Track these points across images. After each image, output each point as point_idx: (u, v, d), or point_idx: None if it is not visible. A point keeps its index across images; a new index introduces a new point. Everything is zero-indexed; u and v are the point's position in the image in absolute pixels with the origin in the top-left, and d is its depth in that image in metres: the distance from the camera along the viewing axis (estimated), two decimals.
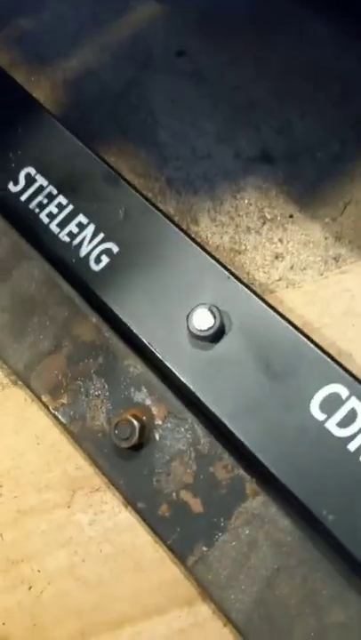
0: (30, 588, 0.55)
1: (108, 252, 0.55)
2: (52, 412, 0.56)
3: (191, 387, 0.49)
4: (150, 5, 0.75)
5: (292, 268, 0.59)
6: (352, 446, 0.45)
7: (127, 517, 0.54)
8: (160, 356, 0.51)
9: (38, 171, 0.59)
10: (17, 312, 0.59)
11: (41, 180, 0.59)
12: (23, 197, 0.59)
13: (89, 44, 0.75)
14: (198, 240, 0.57)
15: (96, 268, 0.55)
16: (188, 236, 0.54)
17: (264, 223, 0.62)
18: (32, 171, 0.59)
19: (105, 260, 0.55)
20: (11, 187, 0.59)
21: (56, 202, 0.57)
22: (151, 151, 0.68)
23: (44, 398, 0.57)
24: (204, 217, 0.64)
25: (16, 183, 0.59)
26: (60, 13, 0.76)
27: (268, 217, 0.62)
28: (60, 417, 0.56)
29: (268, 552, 0.46)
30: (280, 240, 0.60)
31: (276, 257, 0.60)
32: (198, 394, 0.49)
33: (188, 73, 0.70)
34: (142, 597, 0.52)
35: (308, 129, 0.65)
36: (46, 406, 0.57)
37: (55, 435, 0.58)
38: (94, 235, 0.55)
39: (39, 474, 0.58)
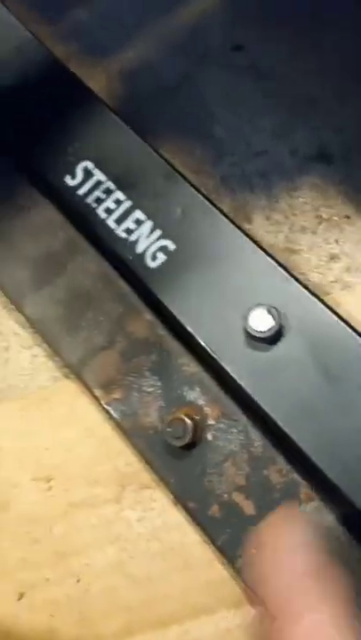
0: (78, 581, 0.56)
1: (164, 249, 0.55)
2: (105, 406, 0.57)
3: (247, 388, 0.49)
4: None
5: (348, 270, 0.58)
6: None
7: (176, 516, 0.54)
8: (215, 357, 0.51)
9: (96, 165, 0.59)
10: (71, 306, 0.59)
11: (99, 175, 0.59)
12: (80, 192, 0.59)
13: (145, 36, 0.74)
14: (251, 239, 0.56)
15: (152, 265, 0.54)
16: (247, 235, 0.53)
17: (320, 223, 0.61)
18: (90, 165, 0.59)
19: (161, 257, 0.54)
20: (68, 180, 0.59)
21: (114, 197, 0.57)
22: (206, 147, 0.67)
23: (96, 392, 0.57)
24: (258, 215, 0.63)
25: (73, 177, 0.59)
26: (116, 5, 0.76)
27: (325, 217, 0.61)
28: (111, 412, 0.56)
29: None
30: (336, 241, 0.60)
31: (332, 258, 0.59)
32: (254, 396, 0.48)
33: (245, 67, 0.69)
34: (190, 596, 0.53)
35: None
36: (98, 401, 0.57)
37: (106, 430, 0.58)
38: (151, 231, 0.55)
39: (89, 468, 0.58)
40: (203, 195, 0.56)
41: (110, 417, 0.57)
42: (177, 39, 0.72)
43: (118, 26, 0.74)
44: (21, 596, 0.57)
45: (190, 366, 0.53)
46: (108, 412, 0.57)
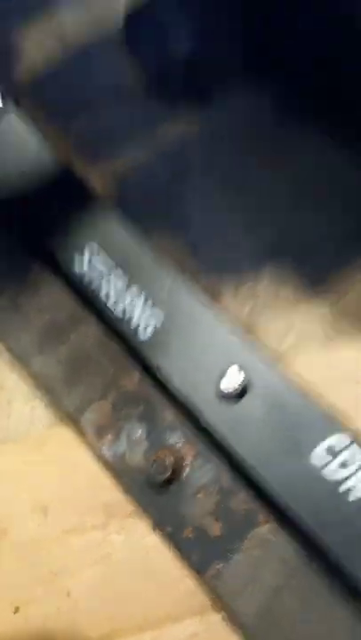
0: (69, 595, 0.66)
1: (153, 323, 0.68)
2: (95, 448, 0.68)
3: (217, 434, 0.62)
4: (192, 116, 0.90)
5: (300, 338, 0.72)
6: (342, 488, 0.57)
7: (155, 540, 0.66)
8: (192, 408, 0.63)
9: (97, 251, 0.73)
10: (71, 366, 0.71)
11: (99, 260, 0.72)
12: (84, 272, 0.72)
13: (137, 145, 0.89)
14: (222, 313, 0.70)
15: (143, 335, 0.68)
16: (217, 312, 0.68)
17: (278, 301, 0.75)
18: (92, 251, 0.73)
19: (151, 329, 0.68)
20: (73, 263, 0.73)
21: (112, 278, 0.71)
22: (186, 237, 0.81)
23: (88, 436, 0.69)
24: (226, 294, 0.77)
25: (78, 261, 0.73)
26: (113, 117, 0.91)
27: (283, 296, 0.75)
28: (102, 453, 0.68)
29: (276, 570, 0.58)
30: (291, 315, 0.74)
31: (288, 329, 0.73)
32: (223, 440, 0.61)
33: (221, 172, 0.85)
34: (164, 607, 0.63)
35: (318, 226, 0.80)
36: (90, 443, 0.69)
37: (96, 468, 0.70)
38: (143, 309, 0.69)
39: (81, 500, 0.69)
40: (185, 277, 0.70)
41: (100, 457, 0.69)
42: (164, 149, 0.88)
43: (115, 135, 0.89)
44: (17, 609, 0.67)
45: (172, 415, 0.66)
46: (98, 453, 0.68)
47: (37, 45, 0.94)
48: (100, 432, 0.68)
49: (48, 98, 0.91)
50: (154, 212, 0.82)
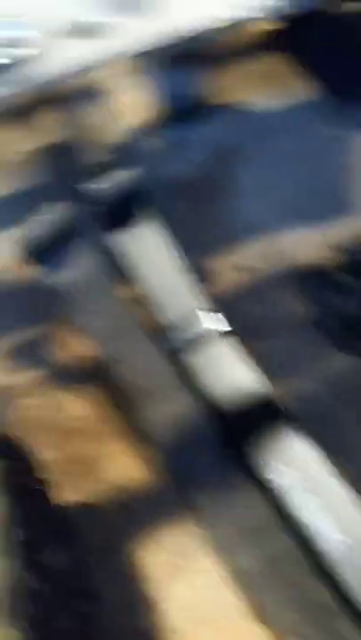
0: None
1: (331, 532, 0.82)
2: None
3: None
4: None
5: None
6: None
7: None
8: None
9: (282, 463, 0.88)
10: (262, 563, 0.86)
11: (283, 470, 0.87)
12: (273, 481, 0.87)
13: (307, 370, 1.07)
14: None
15: (324, 545, 0.81)
16: None
17: None
18: (279, 462, 0.88)
19: (329, 538, 0.81)
20: (265, 472, 0.88)
21: (296, 489, 0.86)
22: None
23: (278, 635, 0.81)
24: None
25: (269, 470, 0.88)
26: (289, 343, 1.10)
27: None
28: None
29: None
30: None
31: None
32: None
33: None
34: None
35: None
36: None
37: None
38: (322, 519, 0.83)
39: None
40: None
41: None
42: (327, 375, 1.05)
43: (290, 358, 1.08)
44: None
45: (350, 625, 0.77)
46: None
47: (227, 276, 1.18)
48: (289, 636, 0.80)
49: (240, 321, 1.11)
50: (324, 429, 0.96)
